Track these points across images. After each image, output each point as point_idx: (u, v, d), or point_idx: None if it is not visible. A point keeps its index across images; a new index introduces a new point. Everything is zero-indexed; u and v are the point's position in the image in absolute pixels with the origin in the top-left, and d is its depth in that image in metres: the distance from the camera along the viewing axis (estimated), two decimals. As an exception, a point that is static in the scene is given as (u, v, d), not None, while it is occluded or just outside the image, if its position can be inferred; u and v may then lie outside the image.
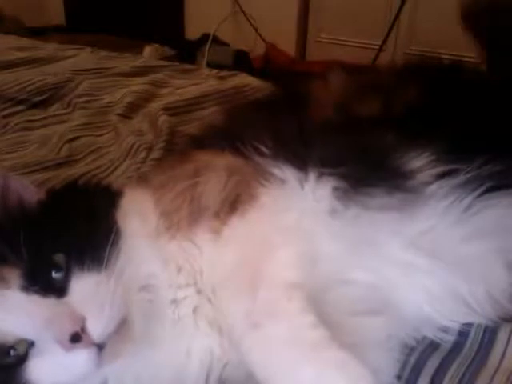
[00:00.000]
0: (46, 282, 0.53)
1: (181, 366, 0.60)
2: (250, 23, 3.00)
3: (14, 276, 0.53)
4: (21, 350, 0.52)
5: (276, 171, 0.66)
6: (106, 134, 1.29)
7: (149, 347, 0.58)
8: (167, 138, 1.18)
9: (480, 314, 0.66)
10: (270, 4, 2.95)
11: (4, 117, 1.35)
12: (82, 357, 0.51)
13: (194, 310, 0.60)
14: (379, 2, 2.72)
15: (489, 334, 0.66)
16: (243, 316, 0.53)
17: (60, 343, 0.50)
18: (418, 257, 0.63)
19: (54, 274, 0.54)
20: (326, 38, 2.95)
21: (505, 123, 0.74)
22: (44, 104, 1.44)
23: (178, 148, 1.10)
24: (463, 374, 0.61)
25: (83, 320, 0.51)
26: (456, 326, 0.66)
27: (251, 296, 0.54)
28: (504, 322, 0.67)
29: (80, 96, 1.45)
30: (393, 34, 2.64)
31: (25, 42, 1.96)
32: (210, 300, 0.60)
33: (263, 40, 2.98)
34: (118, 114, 1.36)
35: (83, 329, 0.50)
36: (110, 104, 1.42)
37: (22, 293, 0.52)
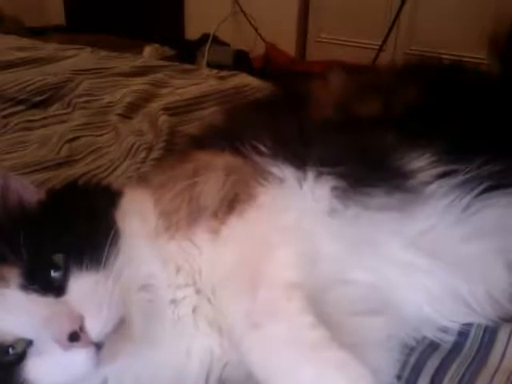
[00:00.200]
0: (44, 281, 0.53)
1: (181, 366, 0.60)
2: (250, 23, 3.00)
3: (14, 275, 0.53)
4: (19, 348, 0.52)
5: (275, 170, 0.66)
6: (106, 133, 1.29)
7: (148, 347, 0.58)
8: (167, 138, 1.18)
9: (480, 313, 0.66)
10: (269, 4, 2.95)
11: (4, 117, 1.35)
12: (80, 356, 0.51)
13: (194, 310, 0.60)
14: (379, 2, 2.72)
15: (489, 334, 0.66)
16: (243, 316, 0.53)
17: (58, 342, 0.50)
18: (417, 257, 0.63)
19: (53, 273, 0.54)
20: (325, 38, 2.95)
21: (504, 123, 0.74)
22: (44, 104, 1.44)
23: (178, 148, 1.10)
24: (463, 374, 0.61)
25: (81, 319, 0.51)
26: (456, 326, 0.66)
27: (251, 296, 0.54)
28: (504, 322, 0.67)
29: (80, 96, 1.45)
30: (393, 34, 2.64)
31: (25, 41, 1.96)
32: (209, 300, 0.60)
33: (263, 40, 2.98)
34: (118, 114, 1.36)
35: (81, 328, 0.50)
36: (110, 104, 1.42)
37: (21, 292, 0.52)
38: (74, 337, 0.50)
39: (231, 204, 0.63)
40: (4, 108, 1.38)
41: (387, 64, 1.23)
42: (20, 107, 1.40)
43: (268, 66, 2.87)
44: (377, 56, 2.58)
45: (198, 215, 0.63)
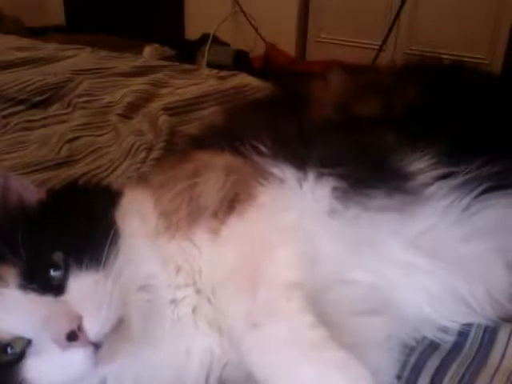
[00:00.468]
0: (43, 280, 0.53)
1: (180, 366, 0.60)
2: (250, 23, 3.00)
3: (12, 274, 0.53)
4: (18, 348, 0.52)
5: (275, 171, 0.66)
6: (106, 133, 1.29)
7: (148, 347, 0.58)
8: (167, 138, 1.18)
9: (480, 314, 0.66)
10: (269, 4, 2.95)
11: (4, 117, 1.35)
12: (78, 356, 0.51)
13: (194, 310, 0.60)
14: (379, 2, 2.72)
15: (489, 334, 0.66)
16: (243, 316, 0.53)
17: (56, 342, 0.50)
18: (417, 257, 0.63)
19: (52, 273, 0.54)
20: (325, 38, 2.95)
21: (504, 124, 0.74)
22: (44, 104, 1.44)
23: (178, 148, 1.10)
24: (463, 374, 0.61)
25: (80, 318, 0.51)
26: (456, 326, 0.66)
27: (251, 296, 0.54)
28: (504, 322, 0.67)
29: (80, 96, 1.45)
30: (393, 34, 2.64)
31: (25, 42, 1.96)
32: (209, 300, 0.60)
33: (263, 40, 2.99)
34: (118, 114, 1.36)
35: (80, 327, 0.50)
36: (110, 104, 1.42)
37: (19, 291, 0.52)
38: (73, 336, 0.50)
39: (231, 204, 0.63)
40: (4, 108, 1.38)
41: (387, 64, 1.23)
42: (20, 107, 1.40)
43: (268, 65, 2.88)
44: (377, 56, 2.58)
45: (198, 215, 0.63)
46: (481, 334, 0.66)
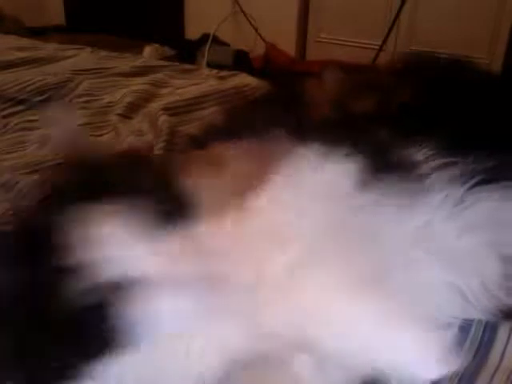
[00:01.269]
0: None
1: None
2: (250, 23, 3.00)
3: None
4: None
5: (276, 170, 0.66)
6: (106, 134, 1.29)
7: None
8: (167, 138, 1.18)
9: (477, 308, 0.65)
10: (269, 4, 2.95)
11: (4, 117, 1.35)
12: None
13: (194, 310, 0.60)
14: (379, 2, 2.73)
15: (488, 332, 0.66)
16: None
17: None
18: (414, 252, 0.63)
19: None
20: (325, 38, 2.96)
21: (504, 123, 0.74)
22: (44, 104, 1.44)
23: (178, 148, 1.10)
24: (463, 374, 0.61)
25: None
26: (455, 323, 0.66)
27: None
28: (503, 315, 0.66)
29: (80, 96, 1.45)
30: (393, 34, 2.64)
31: (25, 42, 1.96)
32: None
33: (263, 40, 2.99)
34: (118, 114, 1.35)
35: None
36: (110, 104, 1.42)
37: None
38: None
39: (233, 203, 0.63)
40: (4, 108, 1.38)
41: (386, 63, 1.24)
42: (20, 107, 1.40)
43: (268, 65, 2.88)
44: (377, 56, 2.58)
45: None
46: (480, 332, 0.66)
